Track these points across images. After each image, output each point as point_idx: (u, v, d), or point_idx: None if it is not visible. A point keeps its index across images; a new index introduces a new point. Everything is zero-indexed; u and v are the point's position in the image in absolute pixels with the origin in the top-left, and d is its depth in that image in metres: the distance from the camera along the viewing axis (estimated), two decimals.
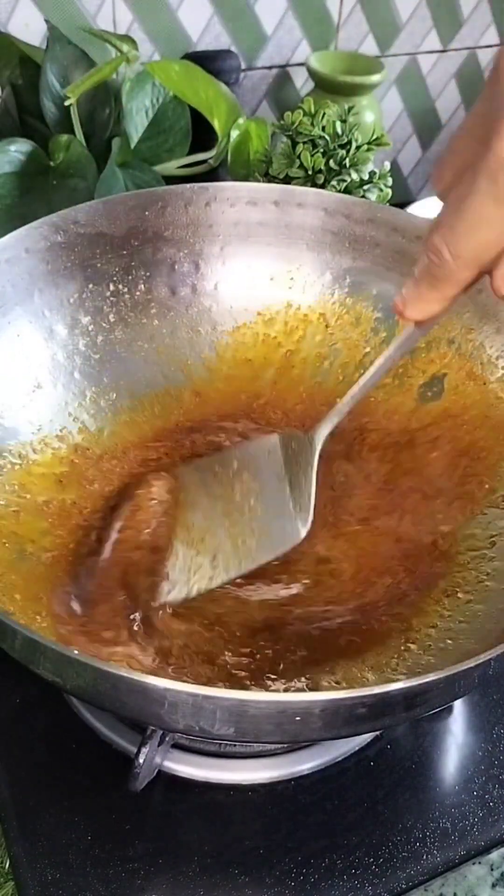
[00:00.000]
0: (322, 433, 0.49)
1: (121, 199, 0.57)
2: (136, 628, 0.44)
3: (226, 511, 0.49)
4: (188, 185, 0.59)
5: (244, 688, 0.42)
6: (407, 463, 0.54)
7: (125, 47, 0.68)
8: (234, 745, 0.46)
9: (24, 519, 0.49)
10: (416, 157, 1.01)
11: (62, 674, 0.35)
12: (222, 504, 0.49)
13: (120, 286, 0.58)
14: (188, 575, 0.47)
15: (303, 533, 0.47)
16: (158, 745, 0.41)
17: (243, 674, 0.43)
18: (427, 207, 0.88)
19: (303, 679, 0.43)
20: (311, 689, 0.42)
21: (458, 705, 0.50)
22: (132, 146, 0.68)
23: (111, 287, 0.58)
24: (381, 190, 0.69)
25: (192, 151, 0.72)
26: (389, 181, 0.70)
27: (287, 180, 0.68)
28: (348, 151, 0.68)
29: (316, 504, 0.48)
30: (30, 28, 0.72)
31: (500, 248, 0.36)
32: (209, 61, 0.76)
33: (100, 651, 0.43)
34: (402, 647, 0.45)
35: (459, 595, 0.47)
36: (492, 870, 0.44)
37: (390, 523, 0.52)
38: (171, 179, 0.68)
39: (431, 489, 0.53)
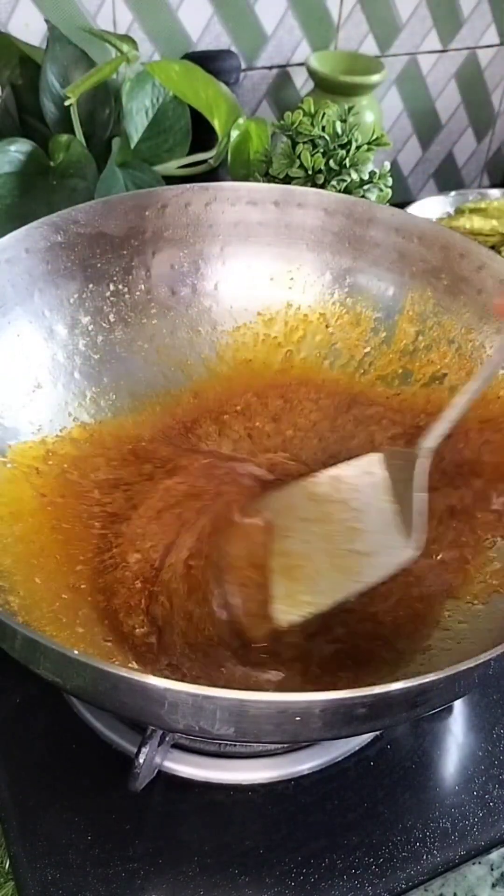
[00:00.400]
0: (428, 445, 0.47)
1: (121, 199, 0.57)
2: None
3: (326, 535, 0.47)
4: (188, 185, 0.59)
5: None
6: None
7: (125, 47, 0.68)
8: (234, 745, 0.46)
9: None
10: (416, 157, 1.01)
11: (62, 674, 0.35)
12: (319, 528, 0.47)
13: (120, 286, 0.58)
14: (292, 603, 0.45)
15: (413, 551, 0.45)
16: (158, 745, 0.41)
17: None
18: (427, 207, 0.88)
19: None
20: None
21: (458, 705, 0.50)
22: (132, 146, 0.68)
23: (111, 287, 0.58)
24: (381, 190, 0.69)
25: (192, 151, 0.72)
26: (389, 181, 0.70)
27: (287, 180, 0.68)
28: (348, 151, 0.68)
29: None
30: (30, 28, 0.72)
31: None
32: (209, 61, 0.76)
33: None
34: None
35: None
36: (492, 870, 0.44)
37: None
38: (171, 179, 0.68)
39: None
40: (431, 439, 0.47)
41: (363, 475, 0.48)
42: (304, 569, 0.46)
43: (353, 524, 0.47)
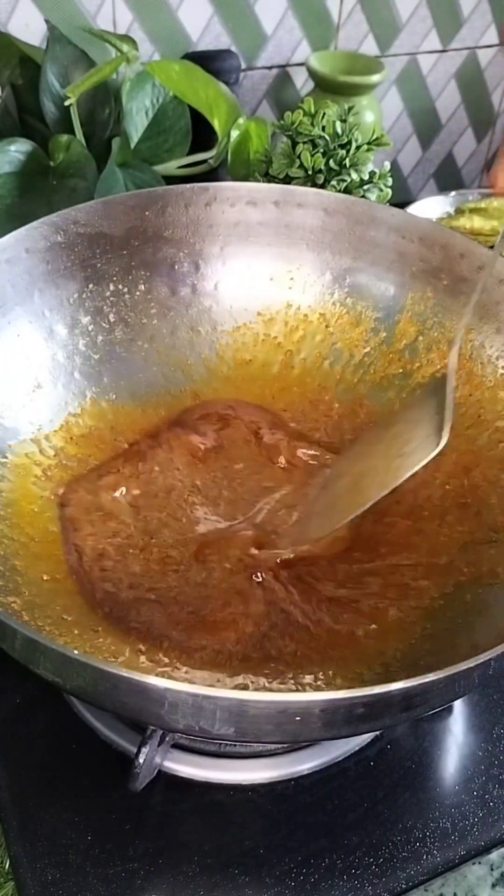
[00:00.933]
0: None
1: (121, 199, 0.57)
2: None
3: (384, 451, 0.50)
4: (188, 185, 0.59)
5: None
6: None
7: (125, 47, 0.68)
8: (234, 745, 0.46)
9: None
10: (416, 157, 1.01)
11: (62, 674, 0.35)
12: (382, 446, 0.51)
13: (120, 286, 0.58)
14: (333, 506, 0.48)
15: (442, 443, 0.47)
16: (158, 745, 0.41)
17: (244, 674, 0.43)
18: (427, 207, 0.88)
19: (300, 678, 0.43)
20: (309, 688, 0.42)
21: (458, 705, 0.50)
22: (132, 146, 0.68)
23: (111, 287, 0.58)
24: (381, 190, 0.69)
25: (192, 151, 0.72)
26: (389, 181, 0.70)
27: (287, 180, 0.68)
28: (348, 151, 0.68)
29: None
30: (30, 28, 0.72)
31: None
32: (209, 61, 0.76)
33: None
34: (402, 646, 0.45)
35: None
36: (492, 870, 0.44)
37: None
38: (171, 179, 0.68)
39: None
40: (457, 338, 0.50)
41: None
42: (367, 478, 0.49)
43: (406, 434, 0.49)
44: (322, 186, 0.67)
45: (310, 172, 0.67)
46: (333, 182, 0.68)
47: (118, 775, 0.43)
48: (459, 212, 0.89)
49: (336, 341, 0.60)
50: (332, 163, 0.67)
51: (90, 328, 0.57)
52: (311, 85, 0.85)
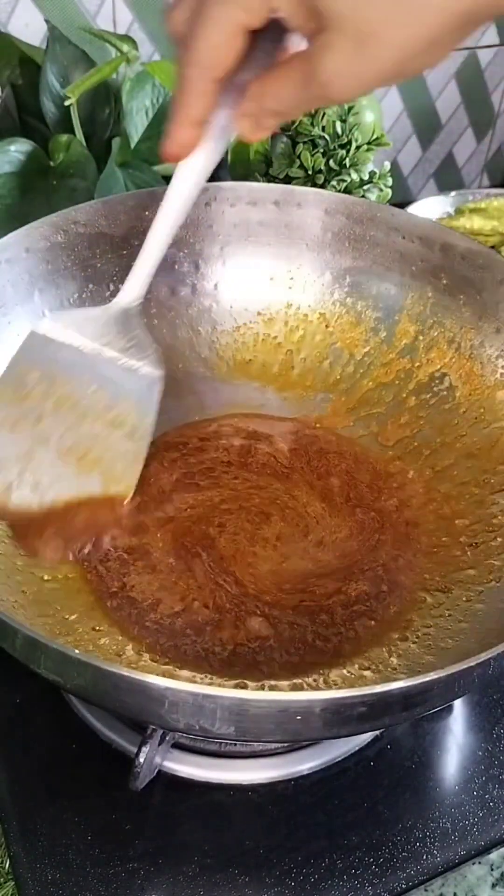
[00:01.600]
0: (130, 297, 0.48)
1: (121, 199, 0.57)
2: None
3: (82, 412, 0.47)
4: None
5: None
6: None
7: (125, 47, 0.68)
8: (235, 745, 0.46)
9: None
10: (416, 157, 1.01)
11: (63, 673, 0.35)
12: (71, 412, 0.48)
13: (120, 286, 0.58)
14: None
15: (157, 371, 0.47)
16: (159, 745, 0.41)
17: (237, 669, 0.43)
18: (427, 207, 0.88)
19: (301, 677, 0.43)
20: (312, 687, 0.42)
21: (458, 705, 0.50)
22: (132, 146, 0.68)
23: (111, 287, 0.58)
24: (381, 190, 0.69)
25: None
26: (389, 181, 0.70)
27: (287, 180, 0.68)
28: (348, 151, 0.68)
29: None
30: (30, 28, 0.72)
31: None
32: None
33: None
34: (403, 646, 0.45)
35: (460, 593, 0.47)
36: (492, 870, 0.44)
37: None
38: (171, 179, 0.68)
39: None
40: (131, 290, 0.49)
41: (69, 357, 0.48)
42: (93, 449, 0.48)
43: (95, 390, 0.48)
44: (322, 186, 0.67)
45: (310, 172, 0.67)
46: (333, 182, 0.68)
47: (118, 775, 0.43)
48: (459, 212, 0.89)
49: (336, 341, 0.61)
50: (332, 163, 0.67)
51: None
52: None
